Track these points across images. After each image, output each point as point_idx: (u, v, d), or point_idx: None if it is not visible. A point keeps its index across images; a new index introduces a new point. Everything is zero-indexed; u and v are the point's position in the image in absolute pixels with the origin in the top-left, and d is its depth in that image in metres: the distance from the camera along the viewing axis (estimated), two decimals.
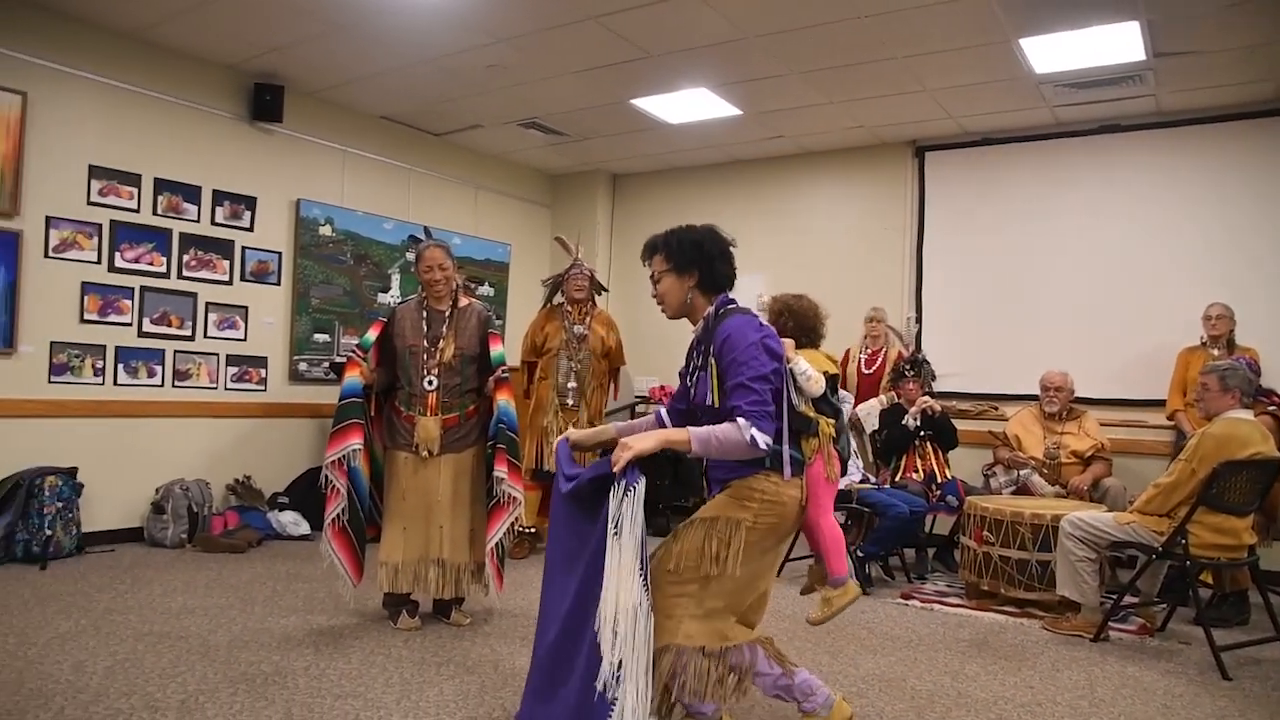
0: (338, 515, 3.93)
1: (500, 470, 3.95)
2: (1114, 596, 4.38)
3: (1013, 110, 6.42)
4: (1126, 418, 6.22)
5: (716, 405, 2.52)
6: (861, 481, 5.47)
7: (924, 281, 7.18)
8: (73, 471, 5.31)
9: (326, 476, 3.90)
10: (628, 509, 2.39)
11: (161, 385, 5.89)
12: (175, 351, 5.96)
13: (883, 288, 7.16)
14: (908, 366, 5.94)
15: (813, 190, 7.77)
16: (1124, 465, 5.89)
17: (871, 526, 5.32)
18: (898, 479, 5.72)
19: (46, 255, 5.36)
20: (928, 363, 6.13)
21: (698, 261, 2.64)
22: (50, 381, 5.39)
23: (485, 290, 8.00)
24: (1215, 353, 5.43)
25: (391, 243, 7.24)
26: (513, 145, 7.91)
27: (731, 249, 2.71)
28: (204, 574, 4.95)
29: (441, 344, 4.07)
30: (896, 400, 5.92)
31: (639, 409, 7.66)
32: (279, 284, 6.57)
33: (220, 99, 6.20)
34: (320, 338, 6.82)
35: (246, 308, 6.36)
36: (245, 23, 5.44)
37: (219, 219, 6.18)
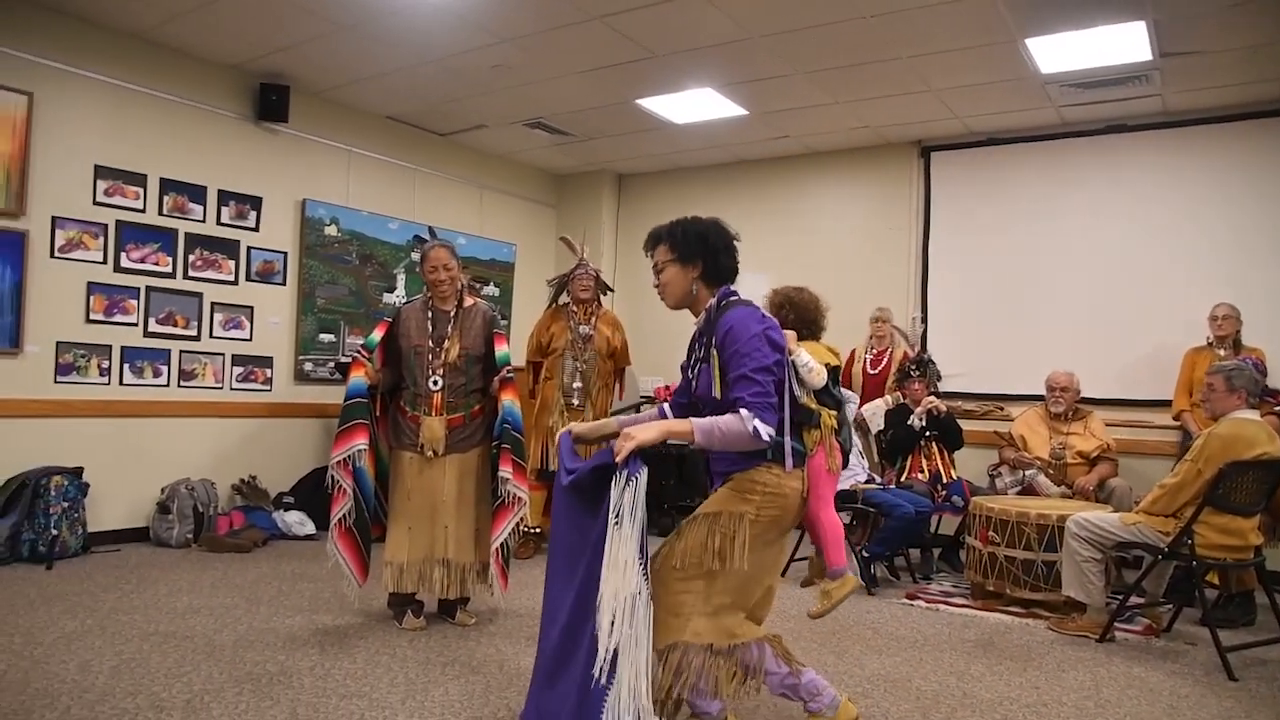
0: (344, 516, 3.93)
1: (505, 470, 3.95)
2: (1119, 597, 4.37)
3: (1018, 110, 6.41)
4: (1132, 418, 6.21)
5: (719, 397, 2.51)
6: (867, 482, 5.47)
7: (929, 282, 7.17)
8: (78, 471, 5.32)
9: (332, 477, 3.90)
10: (629, 499, 2.38)
11: (167, 385, 5.90)
12: (181, 351, 5.97)
13: (888, 288, 7.15)
14: (913, 366, 5.94)
15: (818, 190, 7.77)
16: (1129, 466, 5.87)
17: (877, 527, 5.32)
18: (903, 479, 5.72)
19: (52, 255, 5.37)
20: (933, 363, 6.12)
21: (702, 253, 2.64)
22: (56, 381, 5.40)
23: (490, 290, 8.00)
24: (1221, 353, 5.42)
25: (397, 243, 7.25)
26: (518, 145, 7.91)
27: (735, 242, 2.71)
28: (209, 574, 4.95)
29: (446, 344, 4.07)
30: (902, 400, 5.91)
31: (643, 409, 7.65)
32: (284, 284, 6.58)
33: (226, 99, 6.21)
34: (326, 338, 6.82)
35: (252, 308, 6.37)
36: (251, 23, 5.45)
37: (224, 219, 6.19)
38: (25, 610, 4.05)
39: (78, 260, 5.48)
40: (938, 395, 5.93)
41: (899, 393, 5.97)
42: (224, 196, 6.18)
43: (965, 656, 3.94)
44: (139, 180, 5.74)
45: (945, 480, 5.64)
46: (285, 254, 6.58)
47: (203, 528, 5.74)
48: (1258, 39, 5.05)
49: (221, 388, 6.20)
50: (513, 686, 3.28)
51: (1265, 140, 5.99)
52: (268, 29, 5.53)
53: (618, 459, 2.39)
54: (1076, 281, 6.55)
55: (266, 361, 6.47)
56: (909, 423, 5.79)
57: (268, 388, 6.47)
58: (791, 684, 2.62)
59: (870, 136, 7.20)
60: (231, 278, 6.25)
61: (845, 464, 3.37)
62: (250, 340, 6.37)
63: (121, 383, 5.68)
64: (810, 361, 2.86)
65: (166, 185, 5.87)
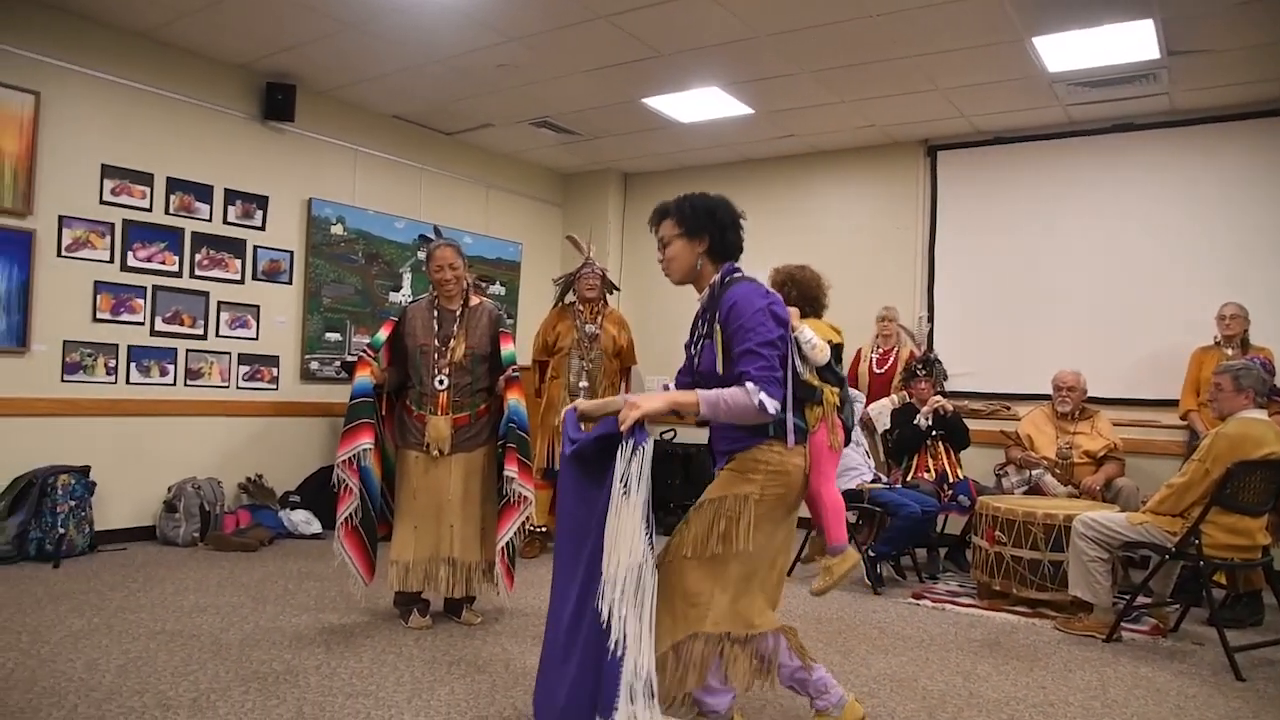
0: (350, 515, 3.94)
1: (511, 469, 3.96)
2: (1127, 597, 4.36)
3: (1025, 109, 6.39)
4: (1139, 418, 6.19)
5: (722, 373, 2.50)
6: (873, 481, 5.47)
7: (936, 281, 7.16)
8: (85, 470, 5.33)
9: (338, 476, 3.91)
10: (635, 468, 2.36)
11: (174, 384, 5.92)
12: (187, 350, 5.99)
13: (894, 287, 7.14)
14: (919, 366, 5.93)
15: (824, 190, 7.75)
16: (1136, 465, 5.86)
17: (883, 526, 5.31)
18: (909, 479, 5.71)
19: (59, 254, 5.38)
20: (939, 362, 6.10)
21: (709, 228, 2.63)
22: (63, 380, 5.41)
23: (496, 289, 8.01)
24: (1229, 352, 5.40)
25: (403, 242, 7.26)
26: (524, 144, 7.91)
27: (742, 220, 2.70)
28: (216, 572, 4.96)
29: (452, 343, 4.07)
30: (908, 400, 5.90)
31: None
32: (291, 283, 6.59)
33: (232, 98, 6.22)
34: (332, 337, 6.83)
35: (258, 307, 6.38)
36: (257, 22, 5.46)
37: (231, 218, 6.20)
38: (32, 609, 4.06)
39: (84, 259, 5.49)
40: (944, 394, 5.91)
41: (905, 392, 5.96)
42: (230, 196, 6.20)
43: (971, 656, 3.93)
44: (146, 179, 5.75)
45: (951, 480, 5.63)
46: (291, 253, 6.59)
47: (209, 526, 5.75)
48: (1265, 37, 5.03)
49: (228, 387, 6.22)
50: (518, 685, 3.28)
51: (1273, 139, 5.96)
52: (274, 28, 5.54)
53: (623, 428, 2.38)
54: (1083, 281, 6.53)
55: (273, 360, 6.48)
56: (915, 422, 5.78)
57: (274, 387, 6.49)
58: (802, 678, 2.62)
59: (876, 136, 7.19)
60: (238, 277, 6.26)
61: (848, 441, 3.37)
62: (256, 339, 6.38)
63: (128, 382, 5.70)
64: (813, 338, 2.84)
65: (173, 184, 5.89)
